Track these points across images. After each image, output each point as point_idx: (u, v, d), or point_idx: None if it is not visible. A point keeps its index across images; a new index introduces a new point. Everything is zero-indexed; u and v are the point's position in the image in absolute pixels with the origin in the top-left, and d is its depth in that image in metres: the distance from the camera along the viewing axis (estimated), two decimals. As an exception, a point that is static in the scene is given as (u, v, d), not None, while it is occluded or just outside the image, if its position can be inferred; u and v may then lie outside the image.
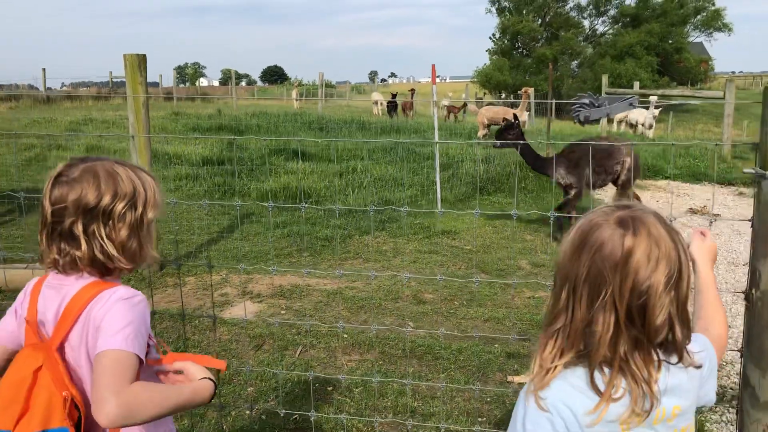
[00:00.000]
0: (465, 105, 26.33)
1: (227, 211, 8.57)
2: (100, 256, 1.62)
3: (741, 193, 10.56)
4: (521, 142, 7.50)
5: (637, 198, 8.11)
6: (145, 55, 5.80)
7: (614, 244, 1.27)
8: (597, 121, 8.16)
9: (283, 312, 5.20)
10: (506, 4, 48.32)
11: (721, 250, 7.30)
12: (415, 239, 7.38)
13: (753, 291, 1.67)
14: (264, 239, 7.36)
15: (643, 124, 17.87)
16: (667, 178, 11.53)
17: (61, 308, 1.61)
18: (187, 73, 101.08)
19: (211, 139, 13.38)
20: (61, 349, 1.59)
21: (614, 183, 7.98)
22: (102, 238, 1.61)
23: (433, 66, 8.62)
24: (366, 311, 5.27)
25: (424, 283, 5.84)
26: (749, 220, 1.74)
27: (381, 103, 27.10)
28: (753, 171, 1.61)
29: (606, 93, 17.21)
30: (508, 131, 7.68)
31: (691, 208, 9.17)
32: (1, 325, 1.75)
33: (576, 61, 46.43)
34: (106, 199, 1.61)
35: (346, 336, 4.66)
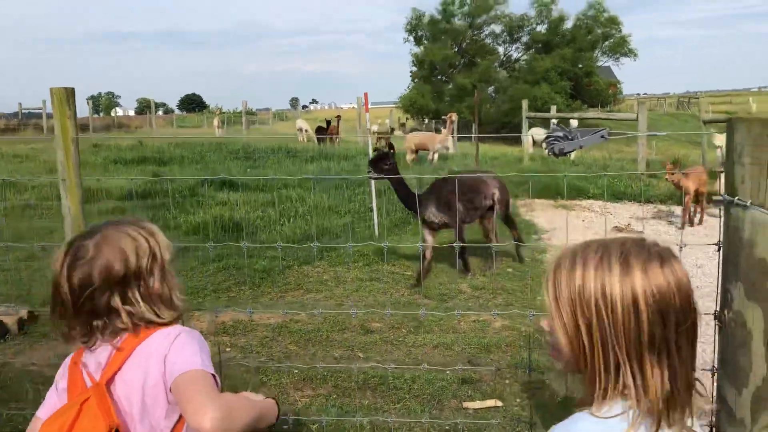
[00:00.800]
0: (392, 131, 26.66)
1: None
2: (143, 316, 1.64)
3: (659, 210, 11.10)
4: (394, 176, 6.72)
5: (514, 224, 7.94)
6: (73, 89, 5.55)
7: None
8: (570, 153, 8.43)
9: (228, 350, 5.05)
10: (423, 33, 49.43)
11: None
12: (355, 267, 7.36)
13: (725, 312, 1.74)
14: (200, 274, 7.16)
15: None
16: (590, 198, 11.98)
17: (111, 354, 1.63)
18: (101, 103, 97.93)
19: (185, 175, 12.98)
20: (109, 384, 1.62)
21: (482, 218, 7.64)
22: (139, 301, 1.63)
23: (366, 94, 8.70)
24: (314, 344, 5.19)
25: (370, 311, 5.81)
26: (716, 245, 1.82)
27: (306, 131, 27.05)
28: (721, 198, 1.69)
29: (526, 117, 17.79)
30: (382, 161, 6.73)
31: (615, 226, 9.55)
32: (45, 403, 1.74)
33: (492, 87, 47.90)
34: (132, 262, 1.62)
35: (296, 371, 4.57)
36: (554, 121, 17.88)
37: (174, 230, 9.02)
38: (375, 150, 9.08)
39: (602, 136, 8.32)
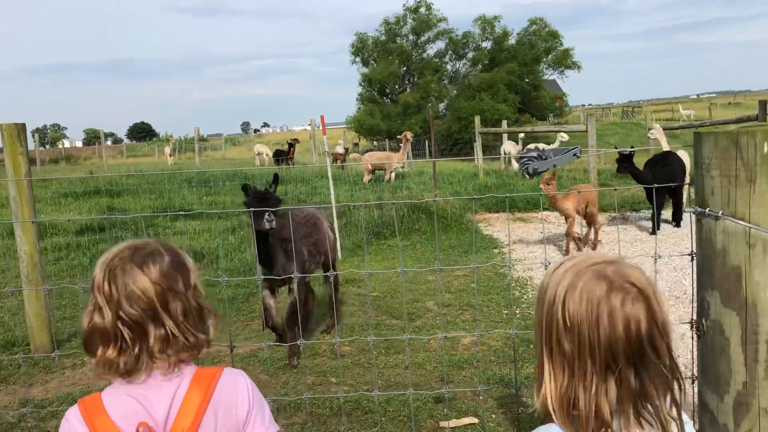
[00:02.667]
0: (346, 151, 26.70)
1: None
2: (188, 335, 1.56)
3: (613, 218, 11.36)
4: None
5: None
6: (24, 124, 5.45)
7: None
8: (544, 172, 8.53)
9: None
10: (368, 54, 49.79)
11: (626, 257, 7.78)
12: (321, 289, 7.31)
13: (703, 321, 1.79)
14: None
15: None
16: (546, 209, 12.19)
17: (174, 406, 1.52)
18: (47, 136, 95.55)
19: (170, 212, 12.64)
20: None
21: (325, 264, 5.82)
22: (180, 318, 1.56)
23: (322, 117, 8.71)
24: (285, 372, 5.13)
25: (339, 335, 5.77)
26: (689, 255, 1.87)
27: (267, 154, 26.90)
28: (693, 210, 1.74)
29: (479, 132, 18.04)
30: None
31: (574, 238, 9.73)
32: None
33: (443, 103, 48.45)
34: (186, 275, 1.58)
35: (269, 402, 4.49)
36: (544, 146, 18.22)
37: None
38: (333, 165, 8.98)
39: (575, 155, 8.39)
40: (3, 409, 4.59)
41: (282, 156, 25.40)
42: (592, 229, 9.06)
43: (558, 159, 8.30)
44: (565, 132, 16.94)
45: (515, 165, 18.15)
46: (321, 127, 8.95)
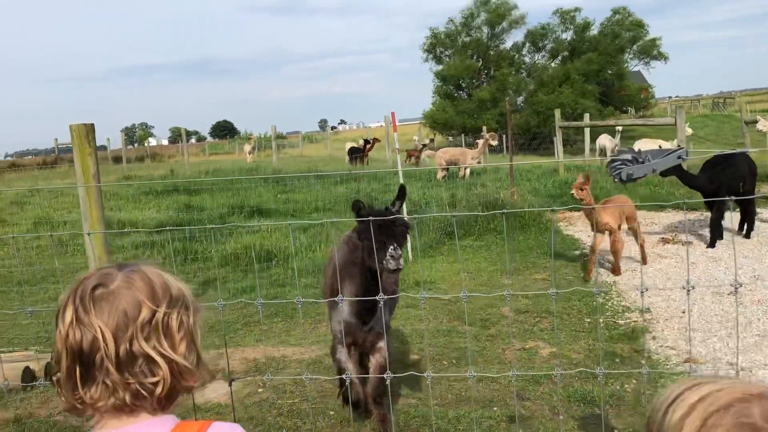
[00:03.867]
0: (424, 146, 26.39)
1: (189, 279, 8.11)
2: (167, 377, 1.31)
3: (706, 217, 10.56)
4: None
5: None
6: (93, 125, 5.42)
7: None
8: (640, 178, 7.59)
9: (260, 390, 4.78)
10: (441, 50, 49.01)
11: (701, 280, 7.16)
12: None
13: None
14: (230, 307, 6.94)
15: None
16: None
17: None
18: (136, 134, 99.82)
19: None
20: None
21: None
22: (163, 356, 1.30)
23: (393, 113, 8.44)
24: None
25: (408, 342, 5.50)
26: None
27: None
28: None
29: (559, 126, 17.36)
30: None
31: (663, 238, 9.08)
32: None
33: (521, 97, 47.24)
34: (163, 307, 1.33)
35: (332, 413, 4.27)
36: (635, 147, 17.34)
37: (206, 261, 8.85)
38: (407, 161, 8.70)
39: (680, 157, 7.46)
40: (70, 415, 4.56)
41: (357, 153, 25.34)
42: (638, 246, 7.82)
43: (659, 162, 7.36)
44: (650, 124, 16.01)
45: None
46: (392, 124, 8.69)
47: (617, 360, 5.00)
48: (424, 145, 27.34)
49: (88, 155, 5.31)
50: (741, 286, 1.74)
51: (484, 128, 26.66)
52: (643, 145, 18.45)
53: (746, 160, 8.69)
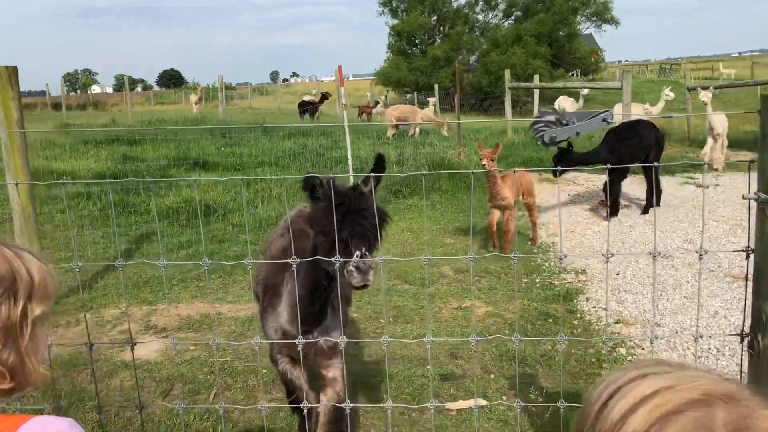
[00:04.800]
0: (377, 103, 26.15)
1: (125, 233, 7.88)
2: None
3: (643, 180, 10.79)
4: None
5: None
6: (15, 68, 5.12)
7: None
8: (563, 141, 7.36)
9: (192, 348, 4.69)
10: (396, 4, 48.33)
11: (637, 243, 7.35)
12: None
13: (759, 336, 1.39)
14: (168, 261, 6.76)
15: None
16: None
17: None
18: (79, 81, 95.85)
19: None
20: None
21: None
22: None
23: (340, 67, 8.26)
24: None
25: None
26: (744, 251, 1.47)
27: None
28: (756, 197, 1.32)
29: (509, 87, 17.38)
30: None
31: (602, 201, 9.25)
32: None
33: (474, 56, 47.07)
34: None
35: (266, 371, 4.22)
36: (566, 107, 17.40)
37: (144, 215, 8.60)
38: (359, 117, 8.55)
39: (604, 119, 7.34)
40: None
41: (307, 107, 24.90)
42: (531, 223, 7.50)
43: (583, 125, 7.23)
44: (598, 87, 16.18)
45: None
46: (339, 78, 8.51)
47: (550, 320, 5.09)
48: (377, 102, 27.09)
49: (10, 99, 5.04)
50: (660, 255, 1.72)
51: (436, 87, 26.54)
52: (562, 101, 18.57)
53: (652, 129, 8.44)
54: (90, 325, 5.12)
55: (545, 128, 7.31)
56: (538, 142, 7.34)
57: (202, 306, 5.48)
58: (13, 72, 5.06)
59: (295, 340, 2.43)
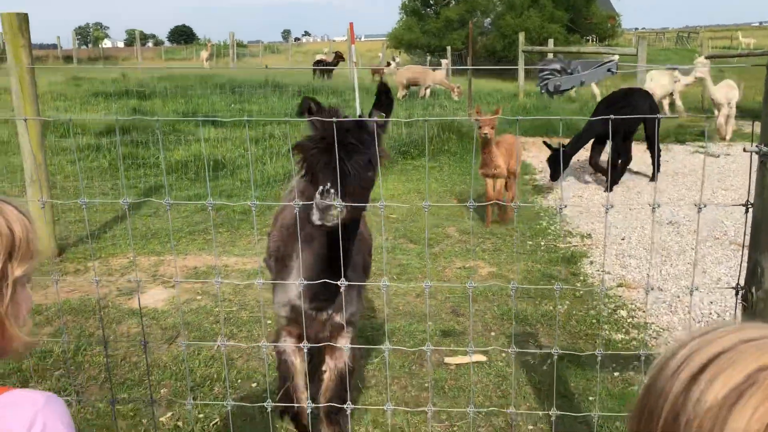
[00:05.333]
0: (388, 64, 25.87)
1: (134, 185, 7.93)
2: None
3: (667, 150, 10.70)
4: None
5: None
6: (26, 14, 5.11)
7: None
8: (568, 90, 7.21)
9: (198, 298, 4.76)
10: None
11: (644, 209, 7.34)
12: (338, 209, 7.03)
13: (753, 289, 1.42)
14: (176, 215, 6.83)
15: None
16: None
17: None
18: (90, 35, 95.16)
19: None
20: None
21: None
22: None
23: (351, 24, 8.18)
24: (290, 292, 4.91)
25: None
26: (744, 205, 1.48)
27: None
28: (756, 149, 1.33)
29: (522, 51, 17.15)
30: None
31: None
32: None
33: (488, 19, 46.34)
34: None
35: (270, 322, 4.29)
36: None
37: (153, 168, 8.63)
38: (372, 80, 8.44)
39: (609, 70, 7.20)
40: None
41: (321, 65, 24.65)
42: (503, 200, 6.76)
43: (588, 75, 7.12)
44: (612, 53, 15.95)
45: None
46: (351, 36, 8.43)
47: (553, 281, 5.13)
48: (388, 63, 26.80)
49: (20, 47, 5.03)
50: (659, 206, 1.74)
51: (449, 48, 26.23)
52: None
53: (647, 99, 8.18)
54: (98, 273, 5.20)
55: (550, 77, 7.18)
56: (543, 91, 7.19)
57: (209, 258, 5.54)
58: (24, 19, 5.05)
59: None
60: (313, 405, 2.45)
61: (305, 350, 2.43)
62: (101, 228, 6.35)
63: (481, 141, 6.30)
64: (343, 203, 2.04)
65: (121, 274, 5.19)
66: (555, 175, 7.58)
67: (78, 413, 3.26)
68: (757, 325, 0.69)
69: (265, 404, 2.30)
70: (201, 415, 3.30)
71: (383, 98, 2.23)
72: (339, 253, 2.16)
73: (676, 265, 5.50)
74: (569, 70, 7.04)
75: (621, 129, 7.64)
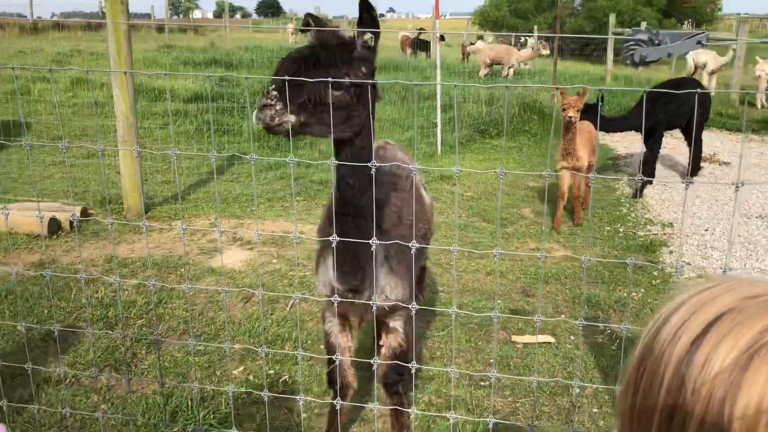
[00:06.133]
0: (472, 44, 25.47)
1: (217, 151, 8.20)
2: None
3: (751, 140, 10.20)
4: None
5: None
6: (125, -19, 5.32)
7: None
8: (654, 62, 6.88)
9: (274, 261, 4.92)
10: None
11: (727, 206, 7.01)
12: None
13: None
14: (256, 181, 7.03)
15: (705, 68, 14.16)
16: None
17: None
18: (182, 5, 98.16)
19: (202, 75, 12.82)
20: None
21: None
22: None
23: (437, 1, 8.11)
24: (362, 261, 4.99)
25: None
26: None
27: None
28: None
29: (612, 33, 16.56)
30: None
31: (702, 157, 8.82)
32: None
33: (579, 0, 44.86)
34: None
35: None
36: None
37: (236, 135, 8.89)
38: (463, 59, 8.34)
39: (699, 42, 6.86)
40: (90, 262, 4.77)
41: (419, 41, 24.26)
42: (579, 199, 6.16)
43: (675, 46, 6.68)
44: (713, 39, 15.16)
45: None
46: (436, 11, 8.37)
47: (628, 269, 5.00)
48: (472, 43, 26.40)
49: (119, 12, 5.26)
50: (742, 185, 1.69)
51: (535, 28, 25.62)
52: (702, 55, 17.30)
53: (697, 89, 7.41)
54: (180, 233, 5.44)
55: (636, 47, 6.86)
56: (628, 62, 6.84)
57: (286, 224, 5.70)
58: (122, -16, 5.26)
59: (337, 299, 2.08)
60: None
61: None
62: (185, 190, 6.61)
63: (564, 125, 5.73)
64: (306, 116, 1.93)
65: (202, 234, 5.41)
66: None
67: (157, 361, 3.45)
68: (753, 281, 0.65)
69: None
70: (271, 372, 3.43)
71: (364, 16, 2.01)
72: (357, 219, 2.12)
73: (763, 260, 5.25)
74: (656, 41, 6.71)
75: (661, 125, 7.15)
